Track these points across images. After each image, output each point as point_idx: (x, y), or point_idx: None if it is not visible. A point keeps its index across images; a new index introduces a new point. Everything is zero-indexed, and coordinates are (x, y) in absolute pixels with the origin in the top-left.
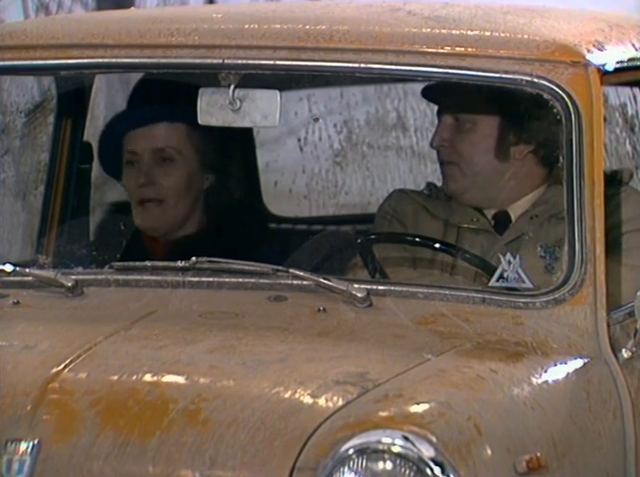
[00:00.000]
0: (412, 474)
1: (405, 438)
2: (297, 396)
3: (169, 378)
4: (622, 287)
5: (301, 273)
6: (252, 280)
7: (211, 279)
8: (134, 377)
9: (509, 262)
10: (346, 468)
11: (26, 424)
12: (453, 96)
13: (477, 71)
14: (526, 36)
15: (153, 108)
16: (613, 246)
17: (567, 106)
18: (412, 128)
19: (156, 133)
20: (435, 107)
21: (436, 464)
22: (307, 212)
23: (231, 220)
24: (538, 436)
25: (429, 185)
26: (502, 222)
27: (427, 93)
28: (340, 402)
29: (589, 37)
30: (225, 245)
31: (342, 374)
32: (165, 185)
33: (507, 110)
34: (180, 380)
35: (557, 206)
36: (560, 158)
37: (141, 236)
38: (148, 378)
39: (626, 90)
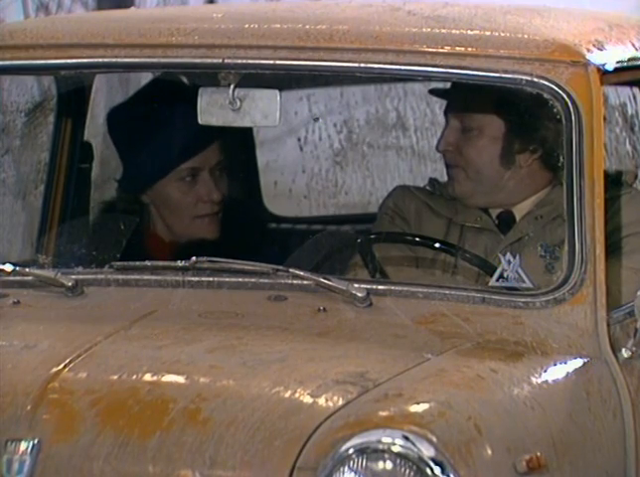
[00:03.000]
0: (413, 474)
1: (406, 438)
2: (297, 395)
3: (169, 377)
4: (623, 289)
5: (301, 273)
6: (252, 280)
7: (211, 279)
8: (134, 376)
9: (509, 262)
10: (346, 468)
11: (26, 424)
12: (461, 98)
13: (477, 70)
14: (526, 35)
15: (207, 129)
16: (615, 248)
17: (567, 106)
18: (412, 128)
19: (211, 151)
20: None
21: (436, 464)
22: (307, 212)
23: (231, 220)
24: (538, 436)
25: (432, 181)
26: (506, 221)
27: (435, 90)
28: (340, 402)
29: (589, 36)
30: (226, 246)
31: (342, 373)
32: (223, 197)
33: (514, 117)
34: (180, 379)
35: (561, 207)
36: (561, 158)
37: (144, 237)
38: (148, 377)
39: (626, 90)
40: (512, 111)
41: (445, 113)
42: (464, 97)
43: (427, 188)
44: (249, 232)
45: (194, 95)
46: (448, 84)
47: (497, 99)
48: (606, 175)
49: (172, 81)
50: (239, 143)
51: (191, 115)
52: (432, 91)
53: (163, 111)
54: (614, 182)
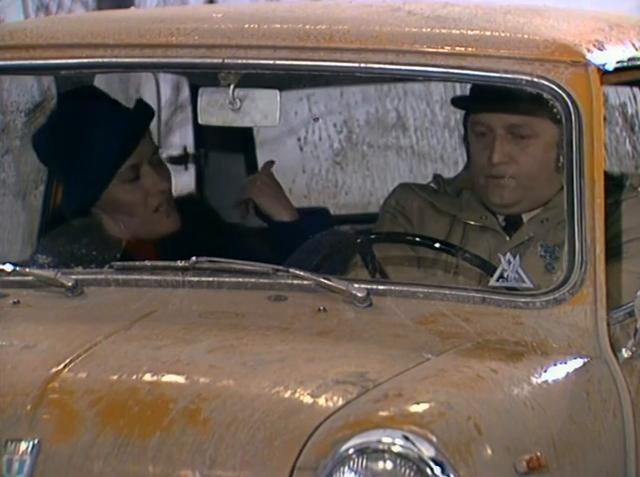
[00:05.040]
0: (413, 474)
1: (406, 438)
2: (297, 395)
3: (169, 377)
4: (623, 292)
5: (301, 273)
6: (252, 280)
7: (211, 279)
8: (134, 376)
9: (509, 262)
10: (346, 468)
11: (26, 424)
12: (501, 104)
13: (477, 70)
14: (526, 36)
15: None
16: (618, 252)
17: (567, 106)
18: (412, 128)
19: (144, 143)
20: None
21: (436, 464)
22: None
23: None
24: (538, 436)
25: (437, 177)
26: (512, 223)
27: (456, 101)
28: (340, 402)
29: (589, 36)
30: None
31: (342, 373)
32: (170, 185)
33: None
34: (180, 379)
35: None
36: (561, 158)
37: (123, 245)
38: (148, 377)
39: (626, 90)
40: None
41: (469, 123)
42: (508, 105)
43: (432, 184)
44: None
45: (107, 96)
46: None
47: (543, 105)
48: (612, 178)
49: (83, 88)
50: (229, 144)
51: (113, 116)
52: (455, 103)
53: (84, 120)
54: (619, 186)
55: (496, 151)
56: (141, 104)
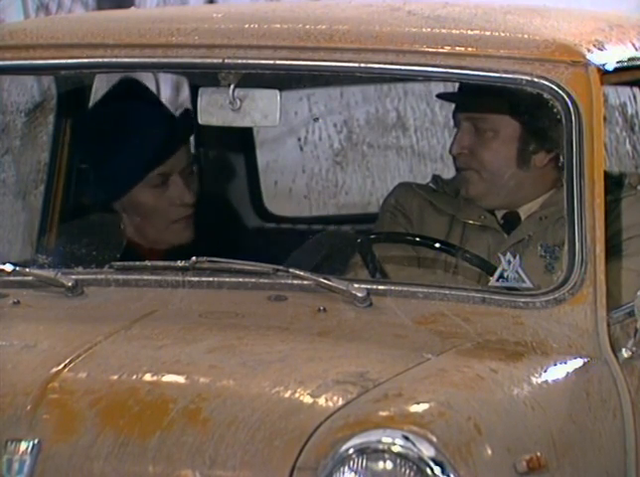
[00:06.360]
0: (413, 474)
1: (406, 438)
2: (297, 395)
3: (169, 377)
4: (624, 291)
5: (301, 273)
6: (252, 280)
7: (211, 279)
8: (134, 376)
9: (509, 262)
10: (346, 468)
11: (26, 424)
12: (470, 100)
13: (477, 70)
14: (526, 36)
15: (175, 132)
16: (618, 250)
17: (567, 106)
18: (412, 128)
19: (180, 153)
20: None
21: (436, 464)
22: (307, 212)
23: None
24: (538, 436)
25: (436, 178)
26: (511, 221)
27: (442, 95)
28: (340, 402)
29: (589, 36)
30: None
31: (342, 373)
32: (195, 199)
33: (527, 118)
34: (180, 379)
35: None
36: (561, 158)
37: (133, 247)
38: (148, 377)
39: (626, 90)
40: (525, 112)
41: (454, 116)
42: (474, 100)
43: (431, 185)
44: (242, 233)
45: (158, 101)
46: (452, 88)
47: (508, 100)
48: (611, 177)
49: (137, 86)
50: (229, 144)
51: (159, 120)
52: (440, 96)
53: (130, 118)
54: (618, 184)
55: (455, 142)
56: (187, 115)
